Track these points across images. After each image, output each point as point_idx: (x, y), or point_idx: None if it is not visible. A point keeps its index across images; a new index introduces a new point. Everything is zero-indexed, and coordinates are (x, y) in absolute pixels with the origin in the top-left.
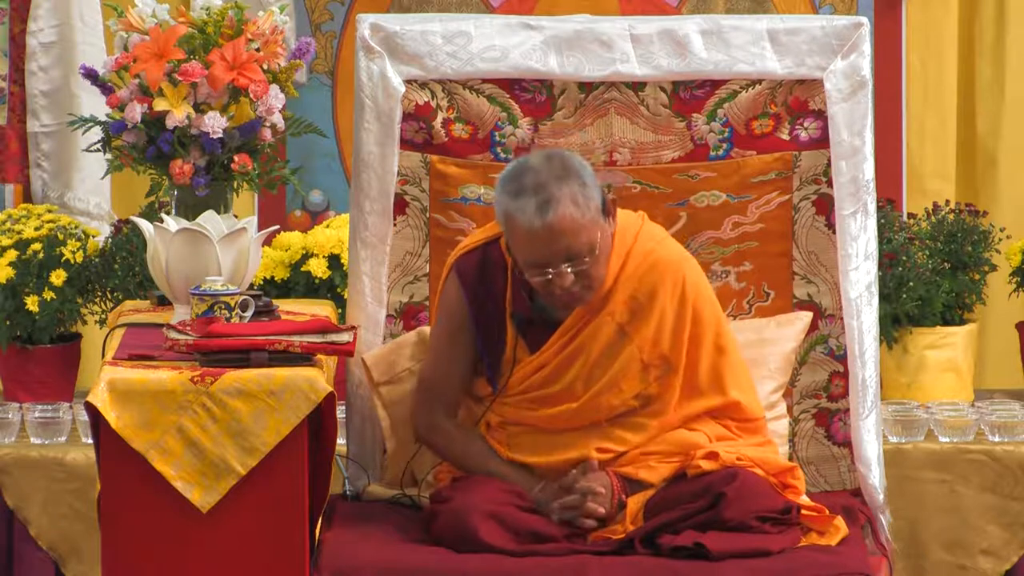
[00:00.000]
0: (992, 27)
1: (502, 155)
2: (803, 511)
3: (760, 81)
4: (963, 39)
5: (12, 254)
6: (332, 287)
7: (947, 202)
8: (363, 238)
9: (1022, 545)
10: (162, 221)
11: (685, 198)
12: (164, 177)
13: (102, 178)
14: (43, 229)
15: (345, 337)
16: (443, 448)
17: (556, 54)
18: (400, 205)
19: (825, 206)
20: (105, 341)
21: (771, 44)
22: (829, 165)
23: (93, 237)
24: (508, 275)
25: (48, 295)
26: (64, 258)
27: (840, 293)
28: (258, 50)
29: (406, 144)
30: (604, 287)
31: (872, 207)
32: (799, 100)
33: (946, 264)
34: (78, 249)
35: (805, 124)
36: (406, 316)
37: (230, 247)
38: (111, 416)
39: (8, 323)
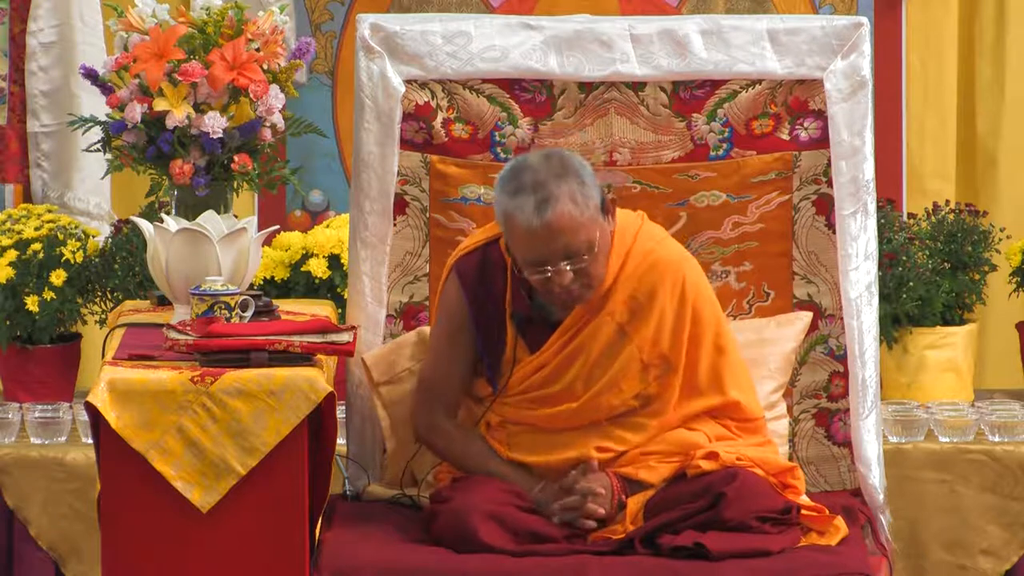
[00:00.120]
0: (992, 27)
1: (502, 155)
2: (803, 511)
3: (760, 81)
4: (963, 39)
5: (12, 254)
6: (332, 287)
7: (947, 202)
8: (363, 238)
9: (1022, 545)
10: (162, 221)
11: (685, 198)
12: (164, 177)
13: (102, 178)
14: (43, 229)
15: (345, 337)
16: (443, 448)
17: (556, 54)
18: (400, 205)
19: (825, 206)
20: (105, 341)
21: (771, 44)
22: (829, 165)
23: (93, 237)
24: (508, 275)
25: (48, 295)
26: (64, 258)
27: (840, 293)
28: (258, 50)
29: (406, 144)
30: (603, 286)
31: (872, 207)
32: (799, 100)
33: (946, 264)
34: (78, 249)
35: (805, 124)
36: (406, 316)
37: (230, 247)
38: (111, 416)
39: (8, 323)
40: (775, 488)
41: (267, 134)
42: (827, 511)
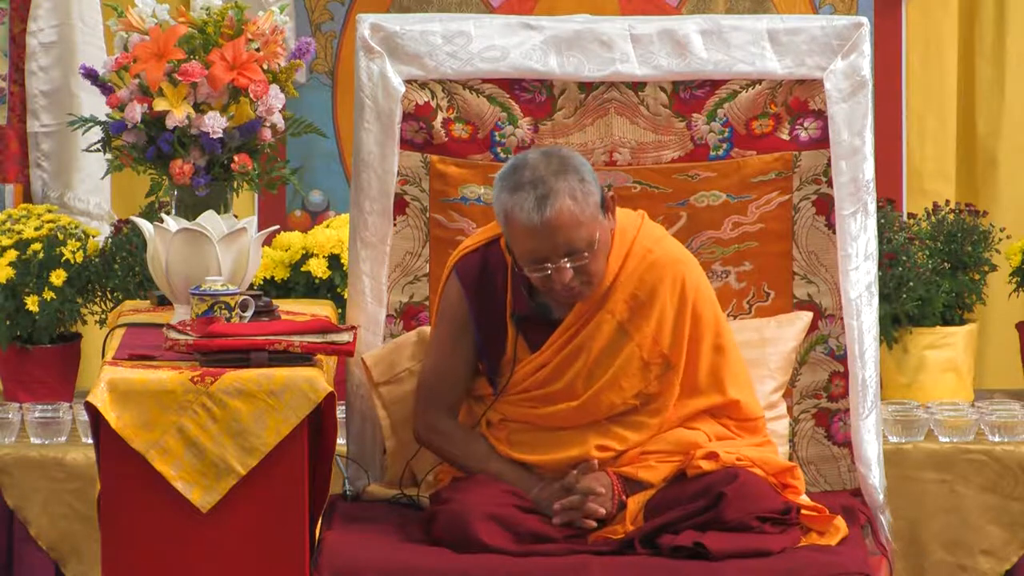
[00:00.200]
0: (992, 28)
1: (502, 155)
2: (803, 511)
3: (760, 81)
4: (963, 39)
5: (12, 254)
6: (332, 287)
7: (947, 202)
8: (363, 238)
9: (1022, 545)
10: (162, 221)
11: (685, 198)
12: (164, 177)
13: (102, 178)
14: (43, 229)
15: (345, 337)
16: (443, 449)
17: (556, 54)
18: (400, 205)
19: (825, 206)
20: (105, 341)
21: (771, 44)
22: (829, 165)
23: (93, 237)
24: (508, 275)
25: (48, 295)
26: (64, 258)
27: (840, 293)
28: (258, 50)
29: (406, 144)
30: (604, 285)
31: (872, 207)
32: (799, 100)
33: (946, 264)
34: (78, 249)
35: (805, 124)
36: (406, 316)
37: (230, 247)
38: (111, 416)
39: (8, 323)
40: (775, 488)
41: (267, 134)
42: (827, 511)
